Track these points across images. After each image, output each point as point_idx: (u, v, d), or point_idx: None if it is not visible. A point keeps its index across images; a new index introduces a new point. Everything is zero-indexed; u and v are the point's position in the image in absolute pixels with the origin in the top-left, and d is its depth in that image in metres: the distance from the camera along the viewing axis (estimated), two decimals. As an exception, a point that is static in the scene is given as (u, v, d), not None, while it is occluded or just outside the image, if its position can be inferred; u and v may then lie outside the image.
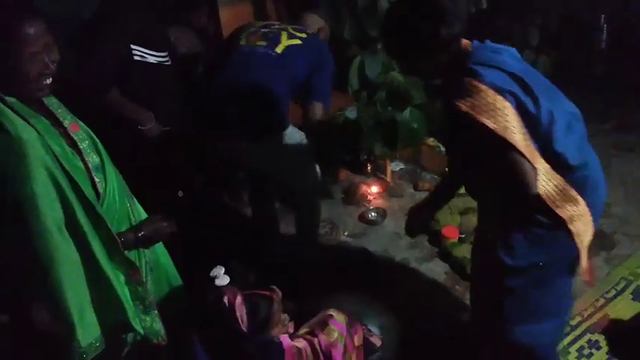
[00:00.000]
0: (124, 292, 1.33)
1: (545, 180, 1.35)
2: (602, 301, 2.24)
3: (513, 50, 1.47)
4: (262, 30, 2.14)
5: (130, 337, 1.39)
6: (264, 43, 2.07)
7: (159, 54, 2.20)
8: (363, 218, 2.86)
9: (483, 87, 1.27)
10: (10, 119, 1.16)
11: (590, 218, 1.45)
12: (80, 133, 1.33)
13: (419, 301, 2.30)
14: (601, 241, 2.56)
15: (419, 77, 2.02)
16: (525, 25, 2.58)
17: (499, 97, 1.27)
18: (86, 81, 2.02)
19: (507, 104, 1.27)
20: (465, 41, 1.43)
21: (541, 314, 1.54)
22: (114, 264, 1.31)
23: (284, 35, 2.09)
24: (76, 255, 1.23)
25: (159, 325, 1.41)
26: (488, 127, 1.25)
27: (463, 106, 1.27)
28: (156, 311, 1.41)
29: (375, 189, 3.06)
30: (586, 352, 2.03)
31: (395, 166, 3.27)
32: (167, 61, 2.26)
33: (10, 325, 2.17)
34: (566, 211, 1.38)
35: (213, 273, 1.52)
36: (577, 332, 2.11)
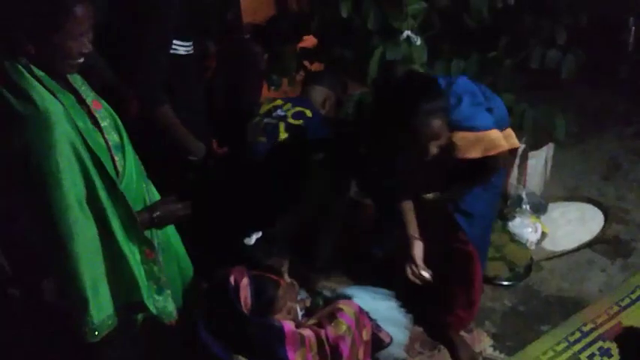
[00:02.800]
0: (139, 271, 1.33)
1: None
2: (615, 308, 2.20)
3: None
4: (265, 120, 2.29)
5: (140, 316, 1.40)
6: (264, 140, 2.24)
7: (187, 44, 2.08)
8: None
9: None
10: (38, 92, 1.17)
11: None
12: (102, 111, 1.34)
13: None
14: (617, 249, 2.52)
15: None
16: (553, 22, 2.52)
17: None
18: (141, 91, 1.87)
19: None
20: None
21: None
22: (131, 242, 1.32)
23: (282, 127, 2.25)
24: (94, 230, 1.24)
25: (172, 306, 1.42)
26: None
27: None
28: (169, 291, 1.42)
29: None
30: (597, 359, 1.99)
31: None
32: (192, 50, 2.13)
33: (21, 299, 2.20)
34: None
35: (251, 234, 1.58)
36: (588, 339, 2.07)
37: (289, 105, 2.34)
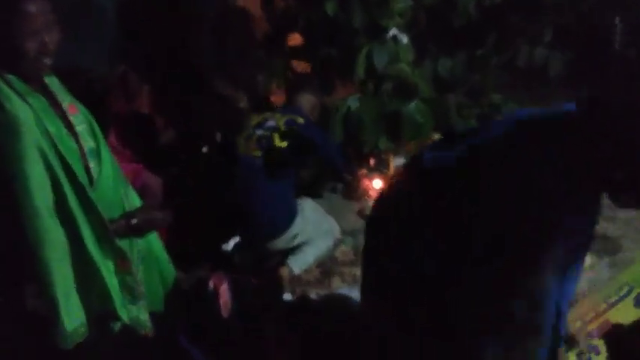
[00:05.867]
0: (111, 280, 1.31)
1: None
2: (603, 306, 2.20)
3: None
4: (257, 132, 2.29)
5: (117, 325, 1.37)
6: (259, 154, 2.25)
7: None
8: (361, 213, 2.82)
9: None
10: (7, 96, 1.16)
11: None
12: (78, 115, 1.31)
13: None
14: (605, 246, 2.52)
15: None
16: (539, 21, 2.54)
17: None
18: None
19: None
20: None
21: None
22: (103, 251, 1.29)
23: (276, 137, 2.27)
24: (63, 238, 1.22)
25: (145, 317, 1.40)
26: None
27: None
28: (143, 302, 1.40)
29: (377, 184, 3.01)
30: (585, 357, 1.99)
31: (399, 161, 3.22)
32: None
33: (2, 306, 2.16)
34: None
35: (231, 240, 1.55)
36: (577, 337, 2.08)
37: (278, 115, 2.36)
